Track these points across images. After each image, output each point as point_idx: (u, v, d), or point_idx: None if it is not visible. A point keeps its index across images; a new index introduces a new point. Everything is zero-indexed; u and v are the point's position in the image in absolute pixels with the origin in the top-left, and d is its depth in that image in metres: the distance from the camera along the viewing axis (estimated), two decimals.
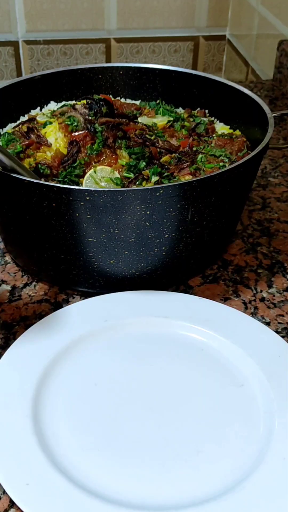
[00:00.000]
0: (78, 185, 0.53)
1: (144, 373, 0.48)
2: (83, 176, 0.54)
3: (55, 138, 0.57)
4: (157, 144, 0.58)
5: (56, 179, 0.54)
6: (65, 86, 0.72)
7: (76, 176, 0.54)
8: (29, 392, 0.45)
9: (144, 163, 0.55)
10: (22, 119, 0.69)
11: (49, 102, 0.71)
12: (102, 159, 0.55)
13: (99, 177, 0.53)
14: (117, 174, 0.53)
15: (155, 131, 0.61)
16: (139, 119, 0.62)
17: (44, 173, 0.54)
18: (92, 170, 0.53)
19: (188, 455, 0.42)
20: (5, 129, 0.66)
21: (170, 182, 0.54)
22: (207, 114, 0.70)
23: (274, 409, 0.45)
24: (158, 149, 0.57)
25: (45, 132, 0.58)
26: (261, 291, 0.59)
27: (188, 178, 0.55)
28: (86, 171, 0.54)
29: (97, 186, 0.52)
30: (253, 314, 0.56)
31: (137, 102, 0.73)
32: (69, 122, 0.58)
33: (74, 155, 0.54)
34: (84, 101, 0.61)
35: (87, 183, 0.53)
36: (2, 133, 0.65)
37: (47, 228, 0.52)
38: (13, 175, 0.50)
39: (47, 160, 0.55)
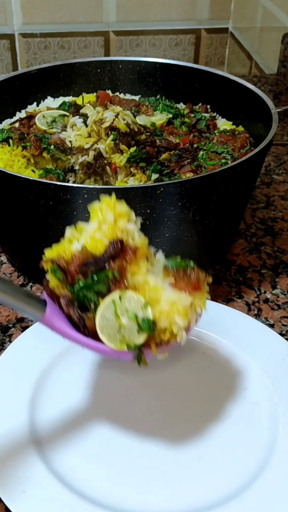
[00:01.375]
0: (95, 305, 0.38)
1: (144, 377, 0.47)
2: (106, 295, 0.38)
3: (100, 220, 0.39)
4: (155, 143, 0.56)
5: (70, 287, 0.38)
6: (62, 81, 0.70)
7: (96, 292, 0.38)
8: (26, 396, 0.44)
9: (144, 164, 0.53)
10: (19, 115, 0.67)
11: (46, 97, 0.70)
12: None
13: (123, 308, 0.37)
14: (149, 313, 0.37)
15: (153, 131, 0.59)
16: (137, 118, 0.61)
17: (56, 276, 0.38)
18: (117, 294, 0.38)
19: (189, 461, 0.41)
20: (1, 125, 0.65)
21: (171, 180, 0.53)
22: (209, 110, 0.68)
23: (278, 414, 0.44)
24: (155, 148, 0.56)
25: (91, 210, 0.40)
26: (265, 292, 0.58)
27: (189, 175, 0.53)
28: (113, 290, 0.38)
29: (116, 319, 0.37)
30: (257, 316, 0.55)
31: (137, 98, 0.71)
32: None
33: (105, 260, 0.38)
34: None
35: (103, 312, 0.38)
36: None
37: (44, 227, 0.51)
38: (9, 172, 0.49)
39: (64, 258, 0.39)
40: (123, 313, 0.37)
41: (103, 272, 0.38)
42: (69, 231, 0.41)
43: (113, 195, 0.40)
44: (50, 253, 0.40)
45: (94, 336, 0.38)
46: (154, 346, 0.38)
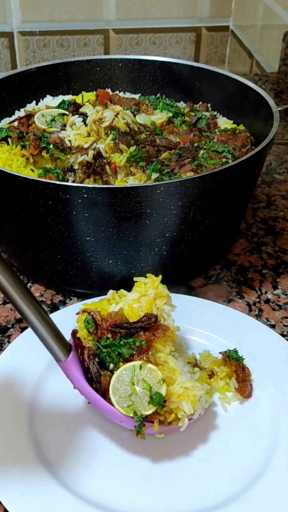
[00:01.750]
0: (114, 366, 0.40)
1: None
2: (128, 360, 0.41)
3: (141, 293, 0.43)
4: (155, 143, 0.55)
5: (96, 343, 0.41)
6: (62, 79, 0.70)
7: (118, 354, 0.41)
8: (25, 397, 0.44)
9: (144, 163, 0.53)
10: (18, 113, 0.67)
11: (45, 96, 0.70)
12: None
13: (140, 377, 0.39)
14: (164, 389, 0.39)
15: (153, 130, 0.59)
16: (137, 117, 0.60)
17: (88, 327, 0.41)
18: (139, 363, 0.40)
19: (190, 463, 0.41)
20: (0, 124, 0.64)
21: (171, 179, 0.52)
22: (210, 108, 0.68)
23: (279, 416, 0.43)
24: (155, 148, 0.55)
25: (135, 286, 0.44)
26: (266, 292, 0.57)
27: (190, 174, 0.53)
28: (134, 358, 0.41)
29: (130, 385, 0.39)
30: (258, 317, 0.54)
31: (137, 96, 0.71)
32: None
33: (137, 329, 0.41)
34: None
35: (121, 375, 0.40)
36: None
37: (43, 227, 0.50)
38: (8, 171, 0.48)
39: (100, 314, 0.42)
40: (139, 382, 0.39)
41: (132, 338, 0.41)
42: (110, 293, 0.44)
43: (160, 276, 0.44)
44: (88, 305, 0.43)
45: (103, 395, 0.40)
46: (157, 423, 0.39)
